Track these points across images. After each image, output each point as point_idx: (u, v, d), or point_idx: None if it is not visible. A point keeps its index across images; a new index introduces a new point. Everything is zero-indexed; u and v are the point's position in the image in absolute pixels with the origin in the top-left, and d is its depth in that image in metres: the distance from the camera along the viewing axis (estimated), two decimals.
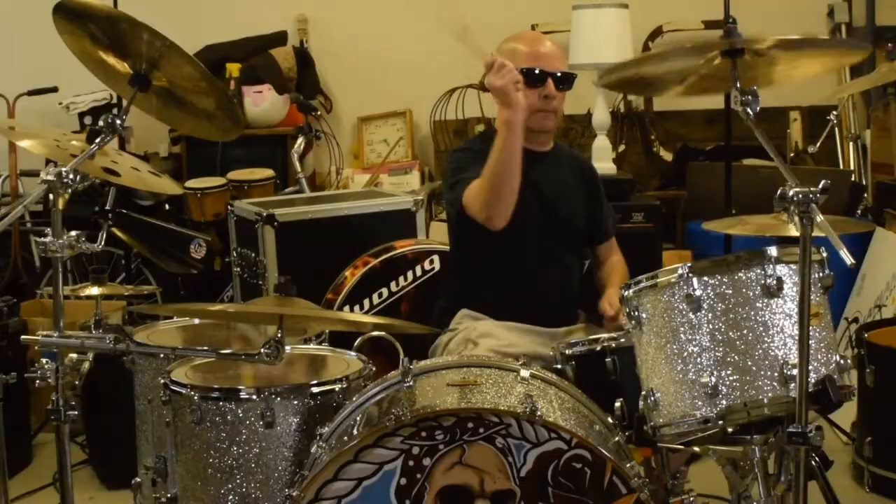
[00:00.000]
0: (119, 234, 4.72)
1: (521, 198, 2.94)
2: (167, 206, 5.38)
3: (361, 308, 3.46)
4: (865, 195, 5.17)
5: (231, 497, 2.38)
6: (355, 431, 2.17)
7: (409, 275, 3.52)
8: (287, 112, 5.57)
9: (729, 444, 2.33)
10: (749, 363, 2.13)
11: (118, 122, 2.32)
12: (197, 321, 3.08)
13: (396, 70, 5.97)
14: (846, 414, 3.74)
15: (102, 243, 4.62)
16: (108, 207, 4.61)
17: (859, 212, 4.98)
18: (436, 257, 3.50)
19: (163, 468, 2.56)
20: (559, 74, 2.93)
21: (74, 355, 2.34)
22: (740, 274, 2.18)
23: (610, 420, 2.34)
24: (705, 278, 2.19)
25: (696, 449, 2.40)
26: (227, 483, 2.38)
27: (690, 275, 2.19)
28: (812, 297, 2.08)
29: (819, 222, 1.97)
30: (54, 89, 5.40)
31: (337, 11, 5.99)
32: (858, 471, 3.64)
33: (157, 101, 2.55)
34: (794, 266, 2.17)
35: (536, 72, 2.89)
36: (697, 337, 2.18)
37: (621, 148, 5.74)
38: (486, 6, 5.86)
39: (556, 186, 3.03)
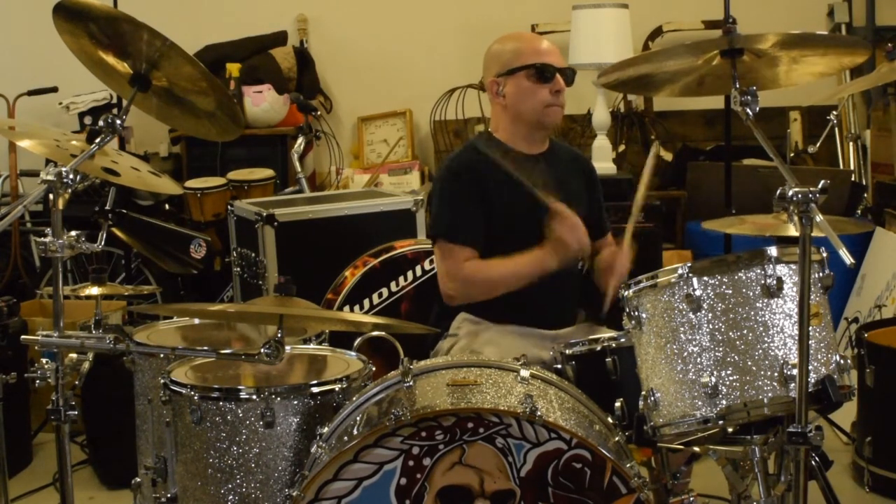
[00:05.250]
0: (119, 234, 4.73)
1: (518, 201, 2.94)
2: (167, 206, 5.39)
3: (361, 308, 3.46)
4: (865, 195, 5.17)
5: (231, 497, 2.38)
6: (355, 431, 2.17)
7: (409, 275, 3.52)
8: (287, 112, 5.57)
9: (729, 444, 2.33)
10: (749, 363, 2.13)
11: (118, 122, 2.32)
12: (197, 321, 3.08)
13: (396, 70, 5.98)
14: (846, 414, 3.75)
15: (102, 243, 4.62)
16: (108, 207, 4.61)
17: (859, 212, 4.98)
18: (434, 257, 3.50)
19: (163, 468, 2.56)
20: (565, 70, 2.96)
21: (74, 355, 2.34)
22: (740, 274, 2.18)
23: (610, 420, 2.34)
24: (705, 278, 2.19)
25: (696, 449, 2.41)
26: (227, 483, 2.38)
27: (690, 275, 2.19)
28: (812, 297, 2.08)
29: (819, 222, 1.97)
30: (54, 89, 5.40)
31: (337, 11, 6.00)
32: (858, 471, 3.64)
33: (157, 101, 2.55)
34: (794, 266, 2.17)
35: (548, 68, 2.91)
36: (697, 337, 2.18)
37: (621, 148, 5.74)
38: (486, 6, 5.87)
39: (556, 187, 3.02)
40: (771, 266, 2.17)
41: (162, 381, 2.50)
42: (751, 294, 2.16)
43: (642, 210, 2.93)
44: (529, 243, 2.94)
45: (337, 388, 2.43)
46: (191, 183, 5.06)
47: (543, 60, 2.92)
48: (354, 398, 2.34)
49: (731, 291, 2.17)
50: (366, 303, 3.48)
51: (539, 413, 2.07)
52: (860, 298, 4.53)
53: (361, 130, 5.98)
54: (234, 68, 5.50)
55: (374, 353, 2.77)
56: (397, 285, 3.51)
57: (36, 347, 2.22)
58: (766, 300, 2.16)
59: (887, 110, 5.07)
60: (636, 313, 2.28)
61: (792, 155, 5.41)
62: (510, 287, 2.85)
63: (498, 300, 2.91)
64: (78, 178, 2.21)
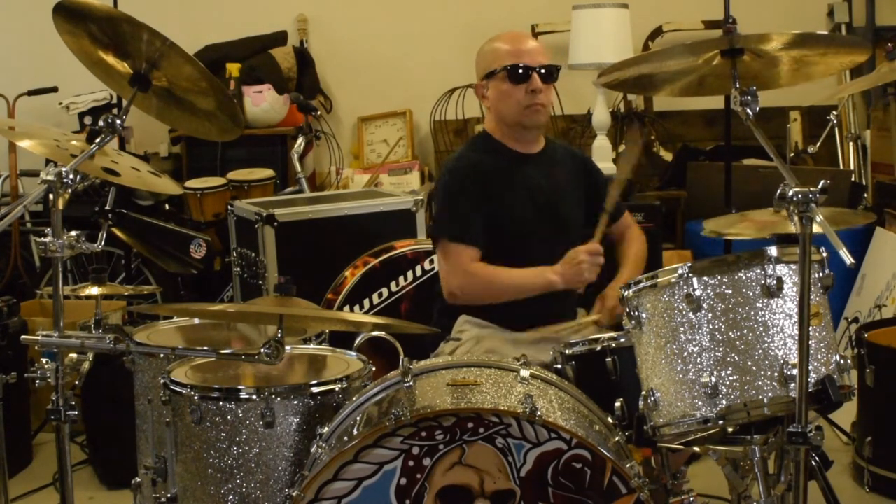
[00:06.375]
0: (119, 234, 4.72)
1: (518, 201, 2.95)
2: (167, 206, 5.39)
3: (361, 308, 3.46)
4: (865, 195, 5.18)
5: (231, 497, 2.38)
6: (355, 431, 2.17)
7: (409, 275, 3.52)
8: (287, 112, 5.57)
9: (729, 444, 2.33)
10: (749, 363, 2.13)
11: (118, 122, 2.32)
12: (197, 321, 3.08)
13: (396, 70, 5.98)
14: (846, 414, 3.74)
15: (102, 243, 4.62)
16: (108, 207, 4.61)
17: None
18: (436, 257, 3.50)
19: (163, 468, 2.56)
20: (542, 68, 2.93)
21: (74, 355, 2.34)
22: (740, 274, 2.18)
23: (610, 420, 2.34)
24: (705, 278, 2.19)
25: (696, 449, 2.41)
26: (227, 483, 2.38)
27: (690, 275, 2.19)
28: (812, 297, 2.08)
29: (819, 222, 1.97)
30: (54, 89, 5.40)
31: (337, 11, 6.00)
32: (858, 471, 3.64)
33: (157, 101, 2.55)
34: (794, 266, 2.17)
35: (520, 68, 2.91)
36: (697, 337, 2.18)
37: (621, 148, 5.73)
38: (486, 6, 5.87)
39: (553, 186, 3.03)
40: (771, 266, 2.17)
41: (162, 381, 2.50)
42: (751, 294, 2.16)
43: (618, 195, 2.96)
44: (533, 242, 2.94)
45: (337, 388, 2.43)
46: (191, 183, 5.06)
47: (517, 61, 2.92)
48: (354, 398, 2.34)
49: (731, 291, 2.17)
50: (366, 303, 3.48)
51: (539, 413, 2.07)
52: (860, 298, 4.52)
53: (361, 130, 5.98)
54: (234, 68, 5.50)
55: (374, 353, 2.77)
56: (397, 285, 3.51)
57: (36, 347, 2.21)
58: (766, 300, 2.15)
59: (887, 110, 5.07)
60: (636, 313, 2.28)
61: (792, 155, 5.41)
62: (513, 296, 2.88)
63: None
64: (78, 178, 2.20)
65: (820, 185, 1.98)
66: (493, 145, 3.02)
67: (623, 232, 3.18)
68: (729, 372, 2.14)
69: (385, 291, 3.50)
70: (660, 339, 2.24)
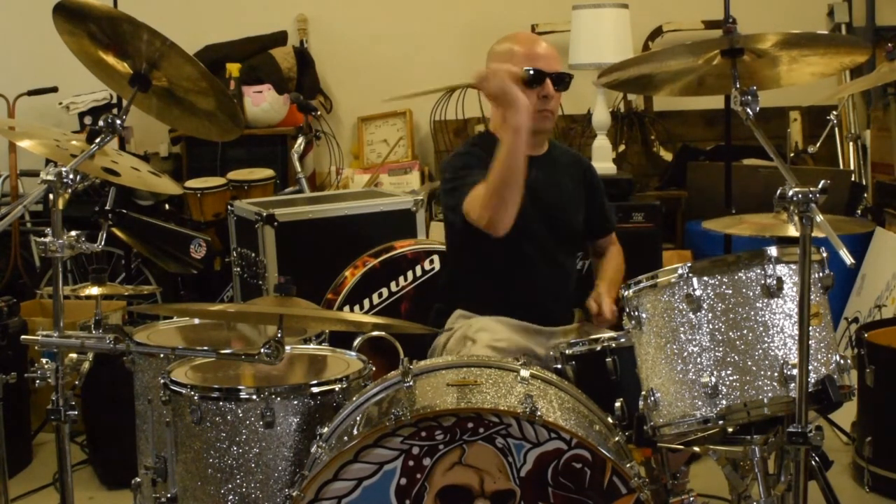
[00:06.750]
0: (119, 234, 4.72)
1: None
2: (167, 206, 5.39)
3: (361, 308, 3.46)
4: (865, 195, 5.18)
5: (231, 497, 2.38)
6: (355, 431, 2.17)
7: (409, 275, 3.52)
8: (287, 112, 5.58)
9: (729, 444, 2.33)
10: (749, 363, 2.13)
11: (118, 122, 2.32)
12: (197, 321, 3.08)
13: (396, 70, 5.97)
14: (846, 414, 3.75)
15: (102, 243, 4.61)
16: (108, 207, 4.61)
17: (859, 212, 4.98)
18: (436, 257, 3.51)
19: (163, 468, 2.56)
20: (557, 74, 2.93)
21: (74, 355, 2.34)
22: (740, 274, 2.18)
23: (610, 420, 2.34)
24: (705, 278, 2.19)
25: (696, 449, 2.41)
26: (227, 483, 2.38)
27: (690, 275, 2.19)
28: (812, 297, 2.08)
29: (819, 222, 1.98)
30: (54, 89, 5.41)
31: (337, 11, 6.00)
32: (858, 471, 3.64)
33: (157, 101, 2.55)
34: (794, 266, 2.17)
35: (533, 72, 2.89)
36: (697, 337, 2.18)
37: (621, 148, 5.74)
38: (486, 6, 5.87)
39: (554, 189, 3.03)
40: (771, 266, 2.17)
41: (162, 381, 2.50)
42: (751, 294, 2.16)
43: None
44: (531, 243, 2.94)
45: (337, 388, 2.43)
46: (191, 183, 5.07)
47: (532, 65, 2.90)
48: (354, 398, 2.34)
49: (731, 291, 2.17)
50: (366, 303, 3.48)
51: (539, 413, 2.07)
52: (860, 298, 4.53)
53: (361, 130, 5.98)
54: (234, 68, 5.51)
55: (374, 353, 2.77)
56: (397, 285, 3.51)
57: (36, 347, 2.22)
58: (766, 300, 2.16)
59: (887, 110, 5.07)
60: (636, 313, 2.28)
61: (792, 155, 5.41)
62: (513, 171, 2.65)
63: (496, 300, 2.92)
64: (78, 178, 2.21)
65: (820, 185, 1.98)
66: (494, 144, 3.01)
67: (606, 247, 3.19)
68: (729, 372, 2.14)
69: (385, 291, 3.50)
70: (660, 339, 2.24)
